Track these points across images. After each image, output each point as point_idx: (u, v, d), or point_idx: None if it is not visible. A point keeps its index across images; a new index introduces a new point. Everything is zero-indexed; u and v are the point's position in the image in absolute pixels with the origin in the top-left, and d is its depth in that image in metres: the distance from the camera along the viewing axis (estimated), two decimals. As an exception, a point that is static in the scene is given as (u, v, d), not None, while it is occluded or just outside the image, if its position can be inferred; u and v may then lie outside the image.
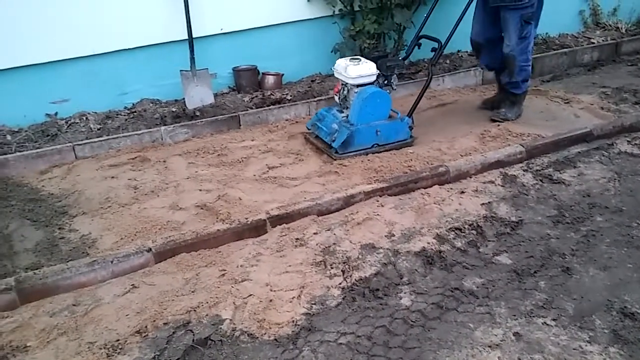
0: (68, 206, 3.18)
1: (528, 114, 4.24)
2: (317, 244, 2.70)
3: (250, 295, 2.37)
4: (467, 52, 5.47)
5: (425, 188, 3.15)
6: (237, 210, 3.05)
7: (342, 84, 3.82)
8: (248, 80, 4.69)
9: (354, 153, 3.62)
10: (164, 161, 3.73)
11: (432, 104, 4.54)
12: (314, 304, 2.32)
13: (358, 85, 3.69)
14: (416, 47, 4.04)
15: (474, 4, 3.97)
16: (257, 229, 2.79)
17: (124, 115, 4.26)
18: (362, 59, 3.76)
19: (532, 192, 3.15)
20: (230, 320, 2.23)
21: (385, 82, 3.84)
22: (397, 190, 3.10)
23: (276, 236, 2.77)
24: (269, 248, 2.70)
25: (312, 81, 4.87)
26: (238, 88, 4.71)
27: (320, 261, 2.58)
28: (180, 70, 4.37)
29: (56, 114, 4.24)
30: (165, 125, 4.09)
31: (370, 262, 2.56)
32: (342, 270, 2.51)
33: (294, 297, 2.35)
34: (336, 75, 3.83)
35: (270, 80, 4.75)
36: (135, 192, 3.31)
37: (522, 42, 3.93)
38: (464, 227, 2.82)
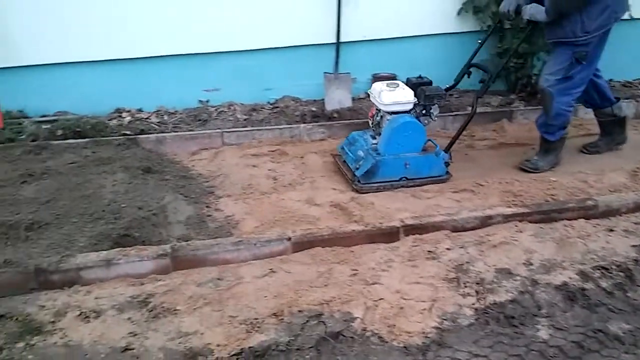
0: (214, 187, 3.44)
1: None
2: (449, 260, 2.67)
3: (381, 299, 2.40)
4: (619, 81, 5.12)
5: (569, 220, 2.98)
6: (370, 213, 3.11)
7: (377, 109, 3.61)
8: (386, 88, 4.74)
9: (378, 185, 3.41)
10: (302, 157, 3.89)
11: (579, 132, 4.30)
12: (445, 319, 2.30)
13: (391, 113, 3.47)
14: (466, 75, 3.72)
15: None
16: (390, 235, 2.82)
17: (268, 109, 4.51)
18: (401, 84, 3.53)
19: (692, 241, 2.87)
20: (361, 319, 2.27)
21: (424, 112, 3.55)
22: (539, 218, 2.96)
23: (408, 245, 2.78)
24: (400, 256, 2.71)
25: (450, 95, 4.80)
26: (375, 95, 4.78)
27: (453, 278, 2.54)
28: (324, 73, 4.53)
29: (208, 101, 4.58)
30: (304, 123, 4.27)
31: (506, 288, 2.47)
32: (475, 291, 2.46)
33: (425, 308, 2.34)
34: (371, 99, 3.64)
35: (407, 90, 4.77)
36: (274, 183, 3.49)
37: (565, 82, 3.48)
38: (611, 268, 2.63)
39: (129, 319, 2.27)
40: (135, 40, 4.29)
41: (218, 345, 2.11)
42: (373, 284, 2.50)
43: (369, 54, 4.73)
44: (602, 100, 3.88)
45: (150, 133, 4.03)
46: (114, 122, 4.16)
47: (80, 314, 2.27)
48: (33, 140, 3.75)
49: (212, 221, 3.03)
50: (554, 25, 3.43)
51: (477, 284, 2.51)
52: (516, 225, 2.92)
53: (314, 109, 4.49)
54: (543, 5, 3.37)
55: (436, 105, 3.56)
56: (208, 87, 4.58)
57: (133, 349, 2.10)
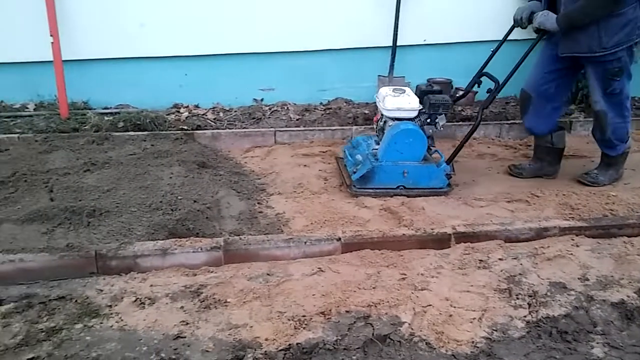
0: (266, 185, 3.50)
1: None
2: (501, 270, 2.62)
3: (430, 305, 2.37)
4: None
5: (629, 236, 2.87)
6: (420, 219, 3.08)
7: (381, 114, 3.54)
8: (440, 93, 4.70)
9: (374, 191, 3.35)
10: (353, 159, 3.89)
11: (641, 146, 4.13)
12: (495, 330, 2.25)
13: (394, 119, 3.40)
14: (477, 85, 3.63)
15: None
16: (440, 242, 2.79)
17: (320, 110, 4.55)
18: (407, 90, 3.45)
19: None
20: (409, 324, 2.25)
21: (429, 120, 3.45)
22: (597, 233, 2.86)
23: (459, 253, 2.74)
24: (450, 263, 2.68)
25: (507, 103, 4.72)
26: (428, 100, 4.74)
27: (505, 289, 2.49)
28: (378, 75, 4.54)
29: (262, 100, 4.67)
30: (356, 125, 4.28)
31: (560, 302, 2.40)
32: (528, 304, 2.40)
33: (474, 318, 2.31)
34: (377, 103, 3.58)
35: (462, 96, 4.70)
36: (325, 183, 3.52)
37: (611, 97, 3.35)
38: (673, 288, 2.52)
39: (181, 307, 2.33)
40: (194, 38, 4.41)
41: (266, 340, 2.14)
42: (422, 289, 2.48)
43: (426, 58, 4.70)
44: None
45: (206, 129, 4.14)
46: (172, 116, 4.29)
47: (136, 300, 2.35)
48: (96, 131, 3.92)
49: (263, 217, 3.08)
50: (568, 39, 3.27)
51: (530, 296, 2.44)
52: (572, 239, 2.84)
53: (366, 111, 4.50)
54: (555, 13, 3.24)
55: (443, 114, 3.46)
56: (263, 86, 4.67)
57: (184, 337, 2.16)
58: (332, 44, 4.59)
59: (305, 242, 2.67)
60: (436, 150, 3.53)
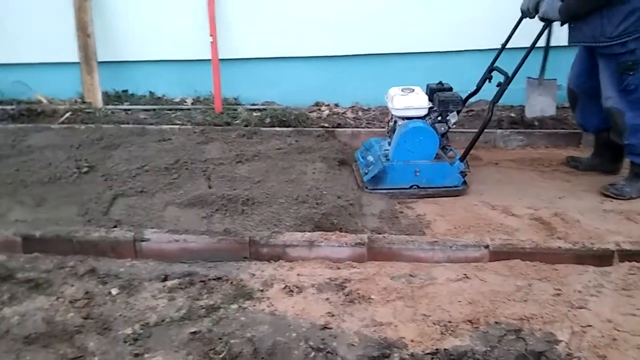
0: (406, 185, 3.46)
1: None
2: (674, 296, 2.35)
3: (589, 325, 2.19)
4: None
5: None
6: (576, 232, 2.88)
7: (391, 115, 3.45)
8: (597, 98, 4.33)
9: (387, 191, 3.28)
10: (496, 163, 3.76)
11: None
12: (668, 361, 2.02)
13: (403, 118, 3.34)
14: (488, 80, 3.52)
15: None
16: (601, 259, 2.57)
17: (463, 112, 4.39)
18: (417, 89, 3.40)
19: None
20: (566, 344, 2.10)
21: (439, 118, 3.35)
22: None
23: (623, 272, 2.50)
24: (612, 282, 2.46)
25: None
26: (583, 105, 4.40)
27: (679, 317, 2.23)
28: (527, 77, 4.29)
29: (399, 100, 4.64)
30: (500, 129, 4.09)
31: None
32: None
33: (643, 344, 2.09)
34: (387, 104, 3.47)
35: (622, 101, 4.30)
36: (467, 187, 3.40)
37: (629, 94, 3.07)
38: None
39: (327, 299, 2.38)
40: (337, 39, 4.51)
41: (412, 341, 2.12)
42: (579, 308, 2.30)
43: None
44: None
45: (346, 127, 4.21)
46: (314, 114, 4.43)
47: (285, 287, 2.45)
48: (246, 126, 4.15)
49: (404, 218, 3.06)
50: (574, 28, 3.17)
51: None
52: None
53: (512, 114, 4.30)
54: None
55: (454, 112, 3.39)
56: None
57: (331, 328, 2.20)
58: (476, 45, 4.42)
59: (450, 247, 2.60)
60: (450, 149, 3.44)
